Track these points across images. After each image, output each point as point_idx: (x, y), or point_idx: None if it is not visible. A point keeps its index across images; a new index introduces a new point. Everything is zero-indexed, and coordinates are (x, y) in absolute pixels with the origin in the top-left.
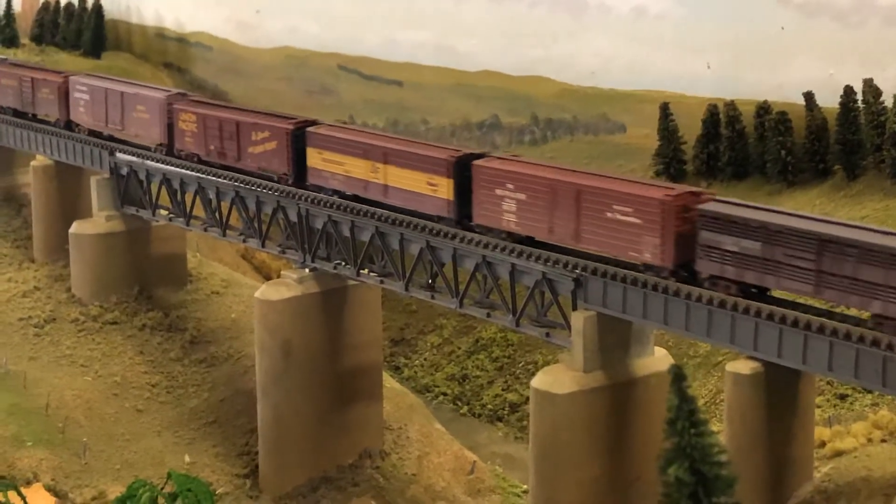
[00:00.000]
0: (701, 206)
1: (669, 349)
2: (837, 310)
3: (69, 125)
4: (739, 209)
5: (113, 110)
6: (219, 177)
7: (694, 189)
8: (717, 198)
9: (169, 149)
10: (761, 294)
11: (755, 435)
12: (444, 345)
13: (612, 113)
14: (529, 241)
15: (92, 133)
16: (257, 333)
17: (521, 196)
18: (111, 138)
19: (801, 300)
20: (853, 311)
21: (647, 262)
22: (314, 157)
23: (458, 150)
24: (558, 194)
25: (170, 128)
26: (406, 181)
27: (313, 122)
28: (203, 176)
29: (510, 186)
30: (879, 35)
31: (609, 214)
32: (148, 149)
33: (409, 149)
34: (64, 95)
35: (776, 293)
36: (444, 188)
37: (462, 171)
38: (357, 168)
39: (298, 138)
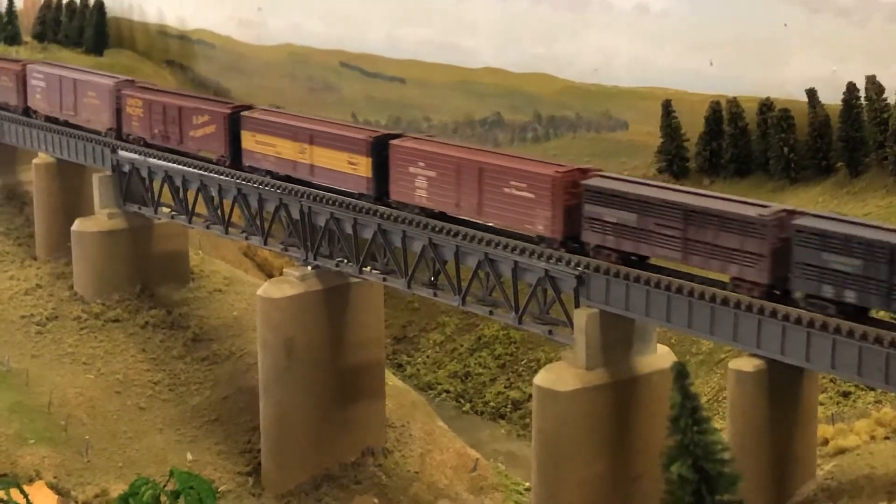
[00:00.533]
0: (585, 182)
1: (672, 346)
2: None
3: (27, 112)
4: (618, 183)
5: (66, 96)
6: (218, 173)
7: (582, 167)
8: (602, 174)
9: (118, 133)
10: (640, 262)
11: (758, 432)
12: (447, 342)
13: (614, 110)
14: (442, 217)
15: (48, 119)
16: (260, 331)
17: (432, 173)
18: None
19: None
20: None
21: (539, 233)
22: (248, 140)
23: (376, 131)
24: (463, 171)
25: (118, 113)
26: (330, 161)
27: (248, 107)
28: (205, 173)
29: (422, 164)
30: (883, 32)
31: (507, 190)
32: (99, 133)
33: (332, 130)
34: (22, 83)
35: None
36: (363, 167)
37: (380, 151)
38: (286, 149)
39: (234, 122)
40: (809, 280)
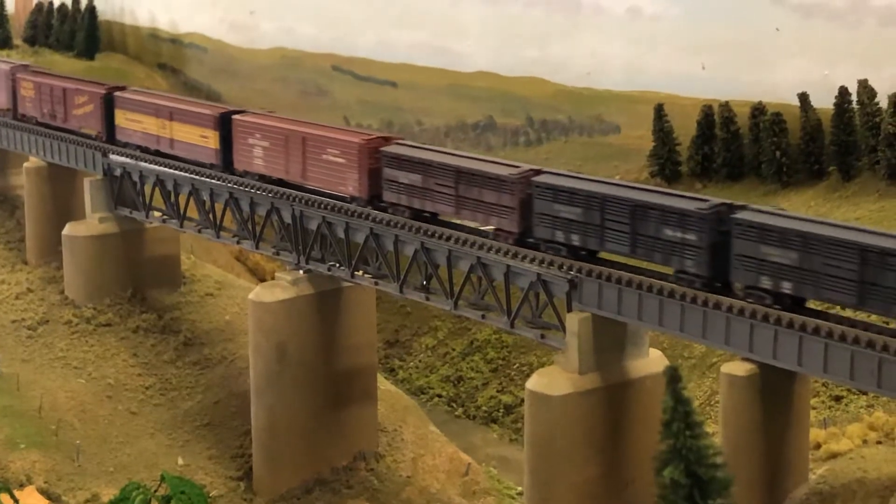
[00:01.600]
0: (383, 149)
1: (664, 350)
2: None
3: None
4: (408, 149)
5: None
6: (213, 178)
7: (386, 135)
8: (400, 142)
9: (14, 113)
10: (433, 218)
11: (750, 436)
12: (439, 346)
13: (606, 114)
14: (280, 183)
15: None
16: (251, 335)
17: (266, 144)
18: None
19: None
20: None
21: (351, 194)
22: (120, 118)
23: (224, 108)
24: (290, 141)
25: (14, 94)
26: (185, 135)
27: (122, 88)
28: (197, 177)
29: (258, 136)
30: (875, 35)
31: (325, 156)
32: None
33: (187, 107)
34: None
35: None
36: (212, 139)
37: (225, 125)
38: (151, 125)
39: (109, 101)
40: (546, 227)
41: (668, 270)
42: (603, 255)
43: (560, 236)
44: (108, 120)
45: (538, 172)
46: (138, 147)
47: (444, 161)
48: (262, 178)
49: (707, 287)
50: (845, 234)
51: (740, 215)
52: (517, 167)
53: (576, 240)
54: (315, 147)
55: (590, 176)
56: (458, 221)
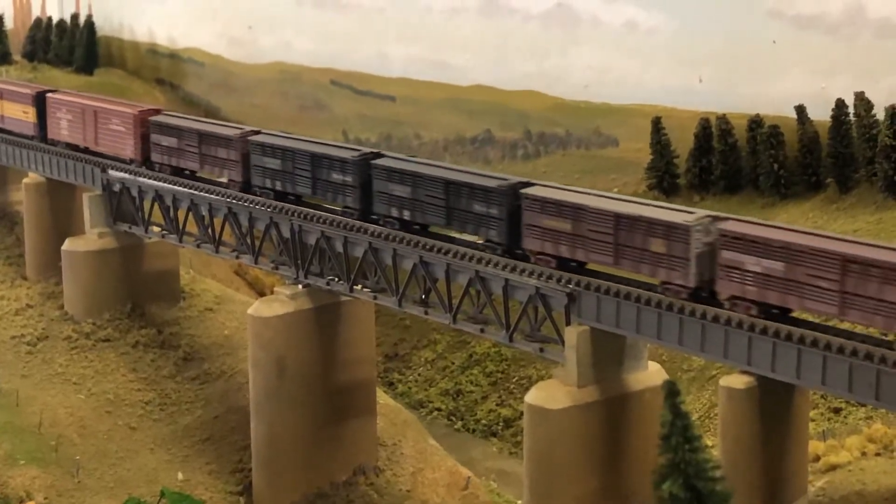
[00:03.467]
0: (151, 118)
1: (663, 363)
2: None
3: None
4: (168, 118)
5: None
6: (212, 193)
7: (156, 108)
8: (165, 112)
9: None
10: (192, 176)
11: (749, 449)
12: (438, 360)
13: (604, 127)
14: (85, 151)
15: None
16: (251, 350)
17: (69, 117)
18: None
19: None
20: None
21: (130, 157)
22: None
23: (41, 87)
24: (85, 114)
25: None
26: (12, 111)
27: None
28: (196, 192)
29: (64, 110)
30: (871, 48)
31: (111, 126)
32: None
33: (12, 88)
34: None
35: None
36: (31, 114)
37: (41, 103)
38: None
39: None
40: (259, 177)
41: (337, 206)
42: (306, 199)
43: (269, 183)
44: None
45: (257, 133)
46: None
47: (190, 126)
48: (69, 146)
49: (362, 217)
50: (438, 172)
51: (377, 161)
52: (241, 129)
53: (278, 185)
54: (103, 118)
55: (295, 135)
56: (204, 175)
